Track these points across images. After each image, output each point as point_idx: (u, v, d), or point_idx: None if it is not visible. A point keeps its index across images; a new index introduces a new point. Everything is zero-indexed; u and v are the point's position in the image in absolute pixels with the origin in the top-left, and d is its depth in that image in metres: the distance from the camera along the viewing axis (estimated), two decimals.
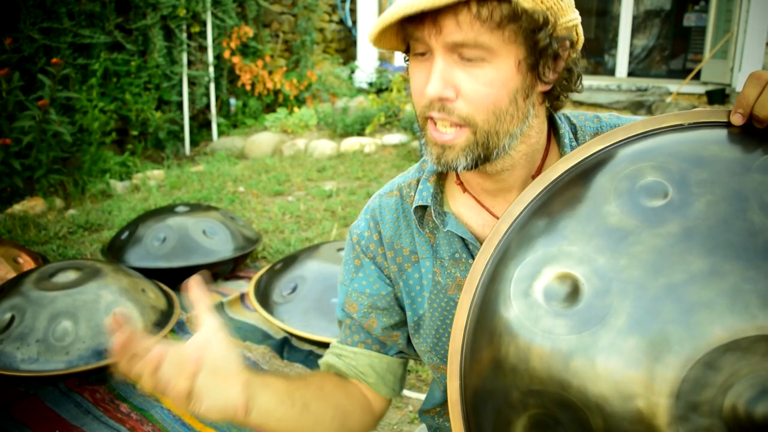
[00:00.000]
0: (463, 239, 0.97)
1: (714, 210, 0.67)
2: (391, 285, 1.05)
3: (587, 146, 0.82)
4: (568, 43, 0.84)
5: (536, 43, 0.81)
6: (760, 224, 0.65)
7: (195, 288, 0.84)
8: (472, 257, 0.97)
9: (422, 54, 0.84)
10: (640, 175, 0.73)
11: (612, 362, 0.65)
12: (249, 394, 0.86)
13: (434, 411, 1.19)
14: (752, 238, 0.64)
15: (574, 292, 0.70)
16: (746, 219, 0.65)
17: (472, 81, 0.80)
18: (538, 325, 0.70)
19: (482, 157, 0.85)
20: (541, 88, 0.86)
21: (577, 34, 0.86)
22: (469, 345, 0.78)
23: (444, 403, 1.14)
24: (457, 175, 1.00)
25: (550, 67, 0.84)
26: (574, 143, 0.95)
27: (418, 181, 1.02)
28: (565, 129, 0.95)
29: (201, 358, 0.81)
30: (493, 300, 0.76)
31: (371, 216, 1.06)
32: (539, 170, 0.95)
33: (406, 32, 0.84)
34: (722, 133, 0.74)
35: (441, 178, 1.01)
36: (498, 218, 0.94)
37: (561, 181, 0.81)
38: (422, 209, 0.99)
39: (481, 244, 0.93)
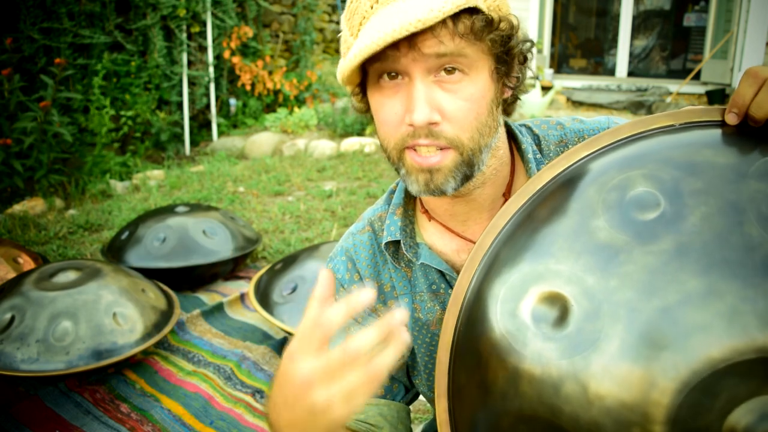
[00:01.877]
0: (440, 270, 0.93)
1: (709, 223, 0.63)
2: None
3: (572, 152, 0.78)
4: (529, 44, 0.85)
5: (510, 50, 0.81)
6: (757, 238, 0.61)
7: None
8: (451, 287, 0.93)
9: (391, 77, 0.80)
10: (630, 186, 0.69)
11: (605, 388, 0.62)
12: None
13: (434, 430, 1.19)
14: (749, 254, 0.61)
15: (563, 315, 0.66)
16: (743, 233, 0.62)
17: (454, 99, 0.78)
18: (527, 348, 0.67)
19: (467, 175, 0.83)
20: (505, 94, 0.87)
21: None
22: (456, 366, 0.75)
23: None
24: (422, 203, 0.97)
25: (516, 72, 0.85)
26: (538, 156, 0.92)
27: (387, 215, 0.98)
28: (527, 143, 0.93)
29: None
30: (480, 320, 0.73)
31: (347, 257, 1.01)
32: (509, 188, 0.93)
33: (367, 62, 0.80)
34: (716, 134, 0.70)
35: (409, 207, 0.98)
36: (471, 241, 0.92)
37: (545, 191, 0.77)
38: (395, 244, 0.95)
39: (458, 272, 0.90)
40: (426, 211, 0.96)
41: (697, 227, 0.64)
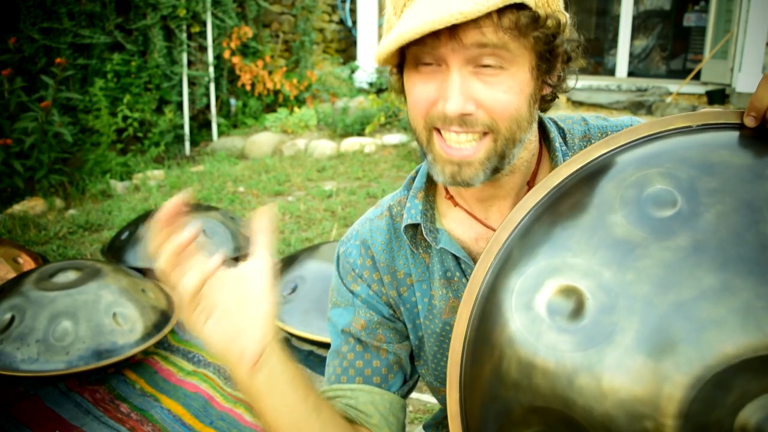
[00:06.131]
0: (456, 257, 0.92)
1: (725, 222, 0.64)
2: (392, 309, 0.99)
3: (591, 149, 0.78)
4: (575, 44, 0.83)
5: (554, 49, 0.79)
6: None
7: (260, 217, 0.77)
8: (465, 276, 0.92)
9: (427, 64, 0.79)
10: (647, 183, 0.70)
11: (618, 381, 0.62)
12: (267, 351, 0.76)
13: (437, 423, 1.19)
14: (764, 252, 0.61)
15: (578, 307, 0.67)
16: (758, 232, 0.63)
17: (491, 90, 0.77)
18: (541, 340, 0.68)
19: (497, 168, 0.82)
20: (544, 91, 0.86)
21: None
22: (469, 357, 0.75)
23: (446, 418, 1.12)
24: (446, 189, 0.96)
25: (559, 71, 0.84)
26: (564, 148, 0.92)
27: (407, 199, 0.97)
28: (555, 134, 0.93)
29: (228, 269, 0.74)
30: (494, 312, 0.73)
31: (362, 242, 1.00)
32: (533, 177, 0.92)
33: (406, 46, 0.79)
34: (732, 136, 0.71)
35: (430, 193, 0.97)
36: (492, 229, 0.92)
37: (564, 186, 0.78)
38: (413, 228, 0.94)
39: (475, 261, 0.91)
40: (451, 197, 0.95)
41: (713, 225, 0.64)
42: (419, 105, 0.81)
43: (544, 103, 0.89)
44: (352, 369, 0.96)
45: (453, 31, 0.73)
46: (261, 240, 0.77)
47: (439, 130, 0.81)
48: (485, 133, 0.79)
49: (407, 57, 0.82)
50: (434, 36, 0.74)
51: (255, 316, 0.75)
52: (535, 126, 0.88)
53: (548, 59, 0.81)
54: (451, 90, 0.76)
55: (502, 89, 0.77)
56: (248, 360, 0.75)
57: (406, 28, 0.72)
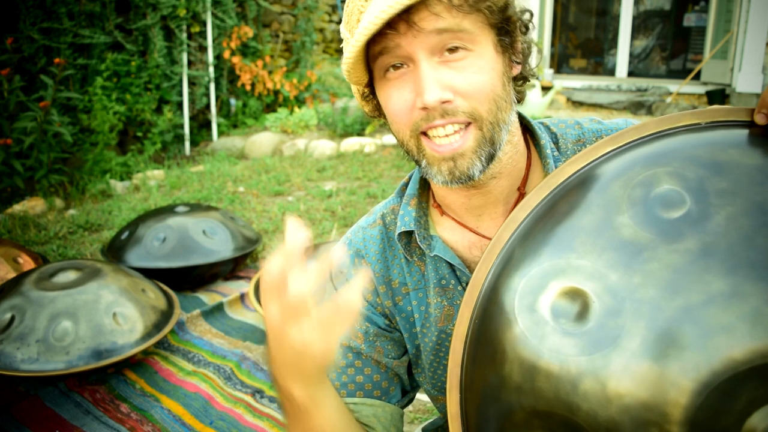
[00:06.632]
0: (451, 264, 0.91)
1: (735, 224, 0.62)
2: (388, 319, 0.98)
3: (596, 147, 0.76)
4: (528, 15, 0.84)
5: (507, 20, 0.80)
6: None
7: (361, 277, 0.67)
8: (461, 284, 0.91)
9: (395, 67, 0.79)
10: (655, 183, 0.68)
11: (624, 386, 0.61)
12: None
13: (436, 428, 1.18)
14: None
15: (584, 310, 0.66)
16: None
17: (463, 74, 0.77)
18: (545, 343, 0.66)
19: (491, 155, 0.82)
20: (513, 71, 0.86)
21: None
22: (470, 358, 0.74)
23: (445, 424, 1.09)
24: (434, 197, 0.95)
25: (520, 45, 0.84)
26: (556, 153, 0.91)
27: (400, 206, 0.96)
28: (546, 139, 0.92)
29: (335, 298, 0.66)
30: (497, 313, 0.72)
31: (355, 252, 0.98)
32: (524, 182, 0.91)
33: (372, 55, 0.80)
34: (741, 134, 0.70)
35: (423, 200, 0.96)
36: (485, 237, 0.91)
37: (568, 185, 0.76)
38: (407, 235, 0.93)
39: (469, 268, 0.90)
40: (438, 206, 0.95)
41: (723, 227, 0.63)
42: (400, 113, 0.81)
43: (517, 86, 0.89)
44: (352, 384, 0.96)
45: (410, 20, 0.74)
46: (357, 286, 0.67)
47: (425, 134, 0.81)
48: (468, 123, 0.79)
49: (375, 71, 0.82)
50: (393, 30, 0.75)
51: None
52: (515, 118, 0.88)
53: (507, 31, 0.81)
54: (425, 82, 0.76)
55: (473, 71, 0.78)
56: (325, 376, 0.74)
57: (366, 24, 0.72)
